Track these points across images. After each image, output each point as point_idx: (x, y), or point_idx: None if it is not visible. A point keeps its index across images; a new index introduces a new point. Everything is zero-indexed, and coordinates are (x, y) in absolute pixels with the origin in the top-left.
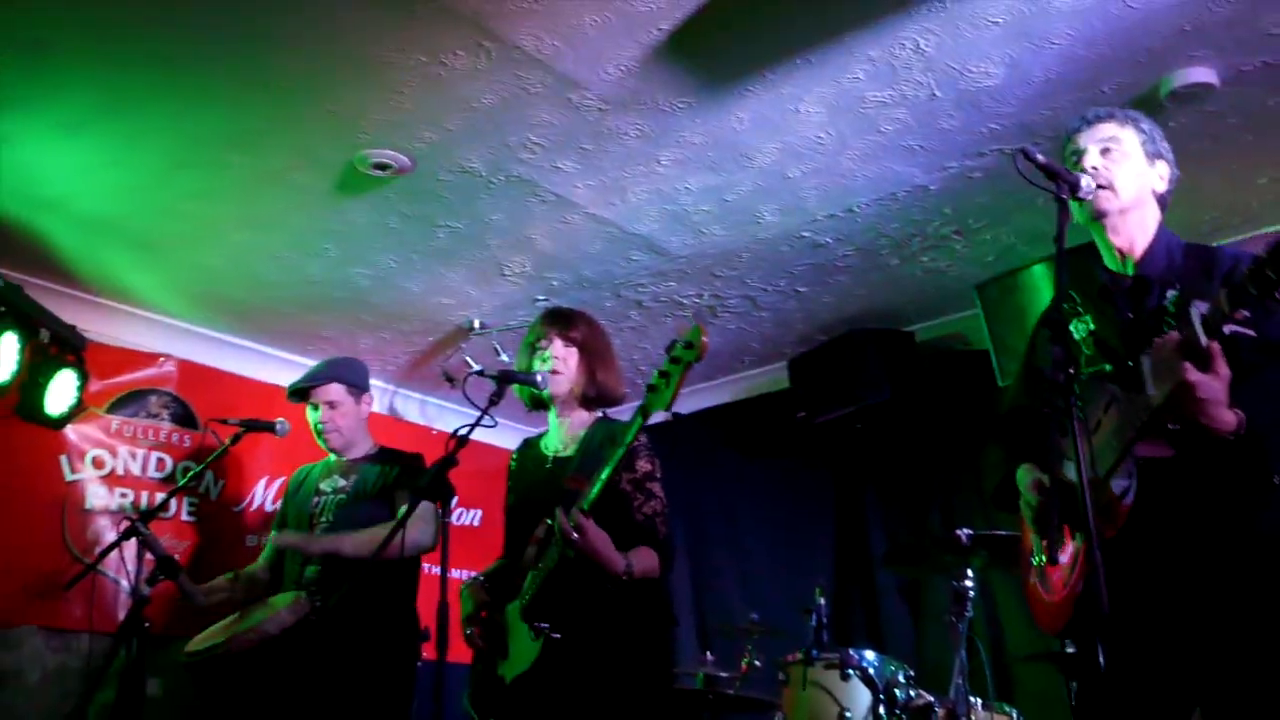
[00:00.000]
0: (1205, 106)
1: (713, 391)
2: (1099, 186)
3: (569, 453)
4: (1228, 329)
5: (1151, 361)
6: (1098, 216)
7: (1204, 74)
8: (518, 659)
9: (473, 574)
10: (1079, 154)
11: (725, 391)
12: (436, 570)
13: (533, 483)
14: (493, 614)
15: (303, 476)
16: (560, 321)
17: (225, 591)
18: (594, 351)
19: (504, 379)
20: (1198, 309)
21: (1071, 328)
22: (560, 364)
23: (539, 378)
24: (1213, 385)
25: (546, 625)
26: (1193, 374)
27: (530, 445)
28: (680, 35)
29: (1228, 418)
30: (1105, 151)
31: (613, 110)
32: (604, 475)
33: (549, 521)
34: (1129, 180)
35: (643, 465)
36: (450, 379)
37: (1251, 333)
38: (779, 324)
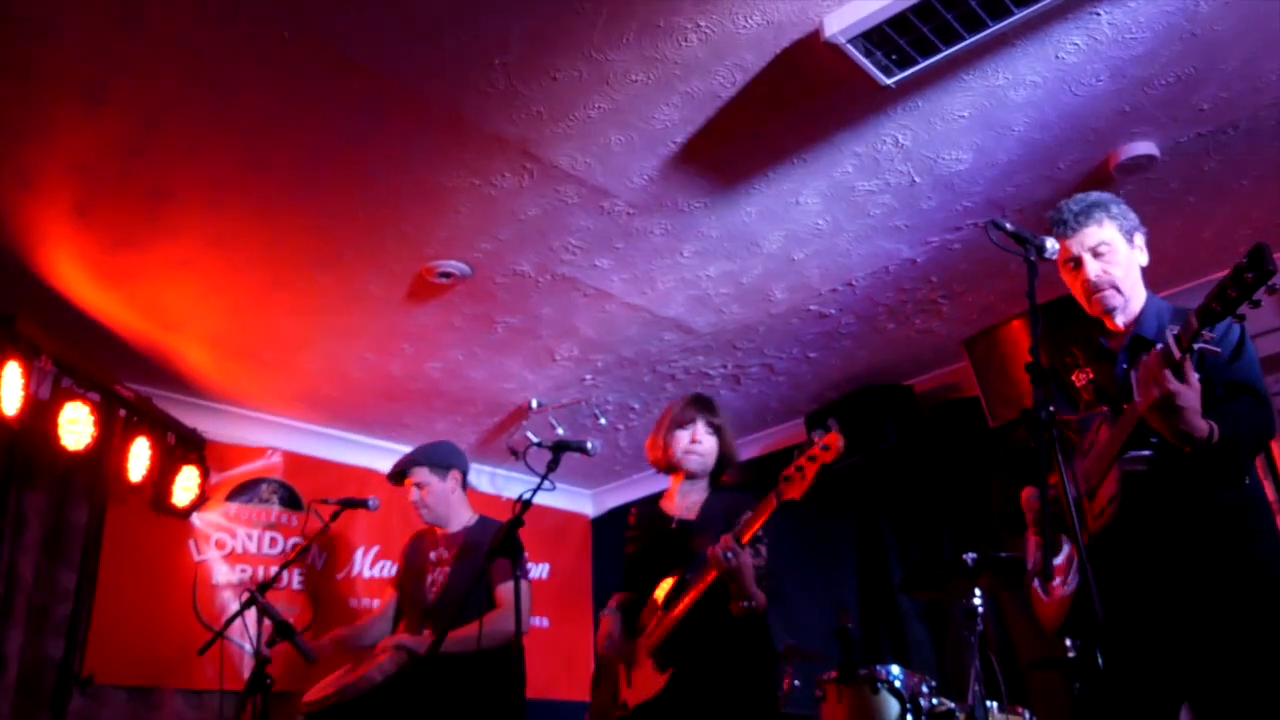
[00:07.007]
0: (1149, 175)
1: (741, 448)
2: (1105, 289)
3: (691, 517)
4: (1197, 345)
5: (1138, 375)
6: (1107, 312)
7: (1146, 147)
8: (642, 688)
9: (543, 621)
10: (1076, 262)
11: (753, 447)
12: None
13: (657, 540)
14: (626, 641)
15: (419, 542)
16: (706, 408)
17: (332, 647)
18: (727, 436)
19: (559, 448)
20: (1171, 330)
21: (1073, 378)
22: (701, 445)
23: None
24: (1188, 394)
25: (674, 665)
26: (1172, 383)
27: (649, 504)
28: (692, 146)
29: (1201, 424)
30: (1098, 255)
31: (639, 213)
32: (757, 525)
33: (685, 575)
34: (1125, 272)
35: (762, 549)
36: (514, 452)
37: (1218, 349)
38: (794, 386)
